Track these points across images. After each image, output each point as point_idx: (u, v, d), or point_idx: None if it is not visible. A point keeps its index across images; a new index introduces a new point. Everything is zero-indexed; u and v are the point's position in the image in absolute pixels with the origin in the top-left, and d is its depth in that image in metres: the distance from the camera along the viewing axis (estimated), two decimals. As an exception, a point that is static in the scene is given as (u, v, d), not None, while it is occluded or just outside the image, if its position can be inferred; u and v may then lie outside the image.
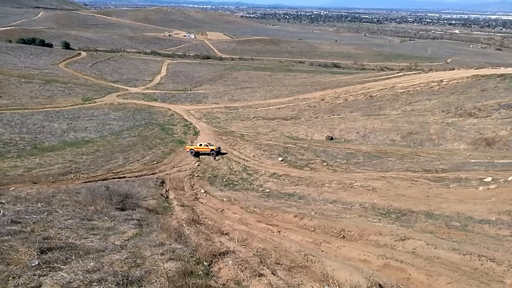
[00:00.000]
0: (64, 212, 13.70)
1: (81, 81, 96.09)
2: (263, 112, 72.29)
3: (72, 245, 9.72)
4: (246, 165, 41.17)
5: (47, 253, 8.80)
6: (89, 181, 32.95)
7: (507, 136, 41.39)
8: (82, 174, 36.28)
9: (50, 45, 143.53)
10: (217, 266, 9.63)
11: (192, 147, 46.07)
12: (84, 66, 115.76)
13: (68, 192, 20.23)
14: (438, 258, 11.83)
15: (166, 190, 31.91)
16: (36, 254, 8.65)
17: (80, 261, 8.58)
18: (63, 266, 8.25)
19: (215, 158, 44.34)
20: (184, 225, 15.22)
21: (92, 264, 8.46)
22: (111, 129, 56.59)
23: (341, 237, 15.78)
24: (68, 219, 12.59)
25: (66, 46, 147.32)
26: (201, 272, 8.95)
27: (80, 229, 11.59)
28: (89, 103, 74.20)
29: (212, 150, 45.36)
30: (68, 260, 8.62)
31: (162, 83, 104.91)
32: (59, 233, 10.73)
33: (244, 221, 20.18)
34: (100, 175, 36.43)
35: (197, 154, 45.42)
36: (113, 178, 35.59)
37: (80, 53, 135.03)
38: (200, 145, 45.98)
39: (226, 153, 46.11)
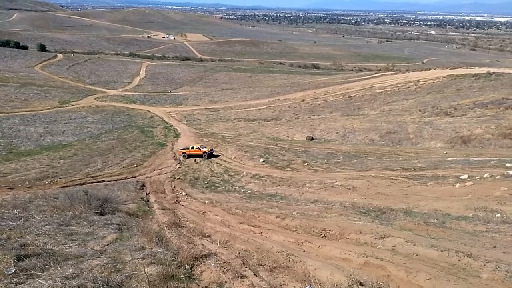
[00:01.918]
0: (42, 218, 13.39)
1: (57, 83, 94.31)
2: (244, 113, 72.33)
3: (50, 251, 9.51)
4: (228, 167, 41.09)
5: (24, 260, 8.59)
6: (67, 186, 32.33)
7: (482, 134, 42.50)
8: (60, 178, 35.59)
9: (25, 47, 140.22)
10: (199, 269, 9.58)
11: (184, 150, 45.11)
12: (60, 68, 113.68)
13: (46, 197, 19.77)
14: (417, 255, 12.04)
15: (146, 194, 31.53)
16: (12, 261, 8.43)
17: (59, 268, 8.41)
18: (41, 273, 8.07)
19: (195, 161, 43.89)
20: (165, 228, 15.08)
21: (71, 270, 8.30)
22: (89, 132, 55.69)
23: (322, 237, 15.89)
24: (46, 225, 12.31)
25: (42, 48, 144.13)
26: (183, 276, 8.89)
27: (58, 235, 11.36)
28: (66, 106, 72.91)
29: (204, 152, 44.41)
30: (46, 267, 8.44)
31: (141, 85, 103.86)
32: (36, 240, 10.48)
33: (226, 223, 20.12)
34: (79, 179, 35.81)
35: (189, 157, 44.56)
36: (92, 182, 34.99)
37: (56, 55, 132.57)
38: (192, 148, 45.06)
39: (219, 155, 45.33)
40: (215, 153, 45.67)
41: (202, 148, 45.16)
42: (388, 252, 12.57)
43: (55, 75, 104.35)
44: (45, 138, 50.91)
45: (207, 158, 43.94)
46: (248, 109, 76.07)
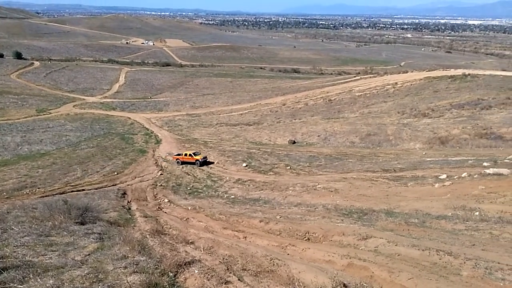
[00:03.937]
0: (20, 229, 13.09)
1: (34, 91, 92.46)
2: (225, 118, 72.24)
3: (29, 263, 9.29)
4: (211, 172, 40.89)
5: (2, 273, 8.37)
6: (46, 196, 31.64)
7: (459, 134, 43.50)
8: (38, 188, 34.82)
9: (0, 55, 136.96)
10: (183, 276, 9.50)
11: (178, 157, 44.10)
12: (37, 76, 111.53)
13: (24, 207, 19.33)
14: (399, 255, 12.21)
15: (128, 202, 31.15)
16: (-10, 275, 8.22)
17: (39, 279, 8.22)
18: (20, 286, 7.88)
19: (179, 167, 43.42)
20: (147, 236, 14.92)
21: (51, 281, 8.13)
22: (68, 140, 54.70)
23: (306, 239, 15.97)
24: (25, 236, 12.05)
25: (18, 56, 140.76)
26: (167, 284, 8.80)
27: (37, 246, 11.11)
28: (44, 115, 71.51)
29: (196, 160, 42.97)
30: (26, 279, 8.24)
31: (120, 92, 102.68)
32: (15, 251, 10.24)
33: (209, 228, 20.04)
34: (58, 188, 35.09)
35: (183, 163, 43.54)
36: (72, 191, 34.36)
37: (33, 63, 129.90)
38: (185, 154, 44.01)
39: (213, 162, 44.10)
40: (209, 160, 44.44)
41: (196, 155, 43.84)
42: (371, 253, 12.71)
43: (32, 83, 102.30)
44: (22, 148, 49.78)
45: (199, 166, 42.72)
46: (230, 114, 76.02)
